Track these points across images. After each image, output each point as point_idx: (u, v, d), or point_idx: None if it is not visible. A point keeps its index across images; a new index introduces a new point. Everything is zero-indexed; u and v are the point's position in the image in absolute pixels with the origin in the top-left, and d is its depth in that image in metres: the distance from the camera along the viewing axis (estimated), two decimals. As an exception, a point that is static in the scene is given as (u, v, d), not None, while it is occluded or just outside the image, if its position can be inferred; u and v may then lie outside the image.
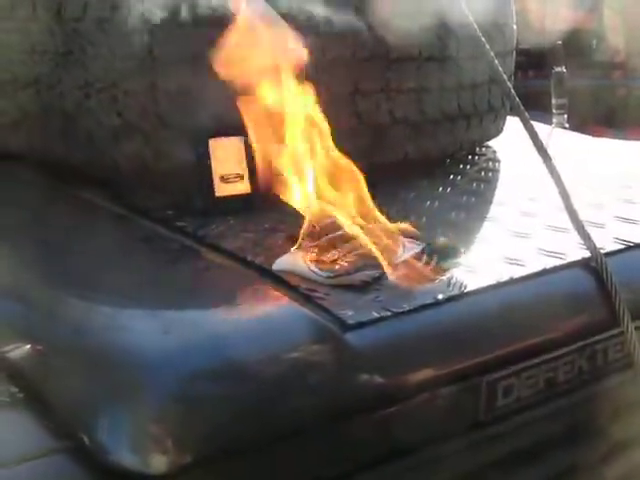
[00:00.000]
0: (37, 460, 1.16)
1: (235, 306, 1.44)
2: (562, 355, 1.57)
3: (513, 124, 2.25)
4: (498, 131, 2.36)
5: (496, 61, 1.89)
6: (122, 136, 1.83)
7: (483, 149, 2.38)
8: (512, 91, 1.89)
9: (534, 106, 1.98)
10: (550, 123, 3.16)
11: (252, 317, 1.38)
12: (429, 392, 1.41)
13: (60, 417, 1.21)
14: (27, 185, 1.87)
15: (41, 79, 1.88)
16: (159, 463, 1.16)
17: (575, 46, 4.34)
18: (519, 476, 1.56)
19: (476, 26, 1.88)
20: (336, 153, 1.63)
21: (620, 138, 3.29)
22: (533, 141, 1.78)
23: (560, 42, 3.72)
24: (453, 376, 1.44)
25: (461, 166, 2.22)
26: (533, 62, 5.11)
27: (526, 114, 1.81)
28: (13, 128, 1.95)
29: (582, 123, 3.54)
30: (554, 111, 3.47)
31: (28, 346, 1.32)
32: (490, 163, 2.28)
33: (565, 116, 3.44)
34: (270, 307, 1.44)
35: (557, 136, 2.75)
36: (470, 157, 2.30)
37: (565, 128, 3.28)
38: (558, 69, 3.46)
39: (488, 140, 2.35)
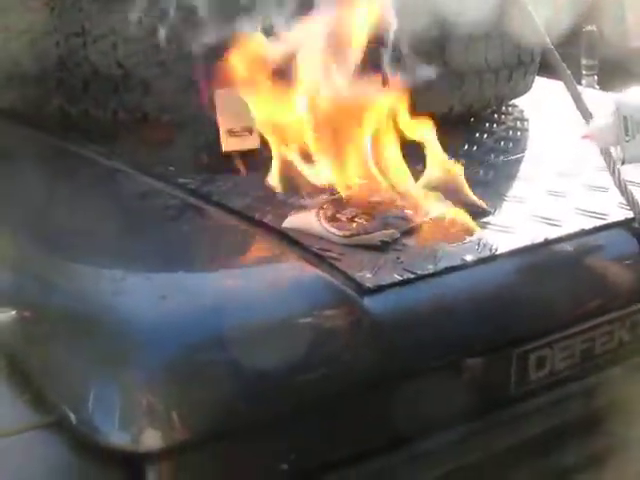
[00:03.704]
0: (14, 437, 1.08)
1: (240, 268, 1.36)
2: (600, 325, 1.49)
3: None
4: (527, 88, 2.23)
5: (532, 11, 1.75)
6: (122, 87, 1.75)
7: (510, 108, 2.25)
8: (550, 44, 1.75)
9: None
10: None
11: (259, 281, 1.29)
12: (454, 363, 1.33)
13: (43, 389, 1.13)
14: (19, 140, 1.78)
15: (35, 26, 1.79)
16: (151, 441, 1.08)
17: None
18: (552, 455, 1.48)
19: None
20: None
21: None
22: (572, 96, 1.65)
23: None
24: (481, 346, 1.36)
25: (487, 124, 2.10)
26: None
27: (567, 70, 1.68)
28: (5, 80, 1.86)
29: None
30: (583, 72, 3.34)
31: (11, 313, 1.20)
32: (519, 122, 2.16)
33: (595, 77, 3.31)
34: (279, 270, 1.35)
35: (588, 97, 2.60)
36: (497, 115, 2.18)
37: (595, 89, 3.16)
38: (589, 28, 3.33)
39: (516, 97, 2.22)
